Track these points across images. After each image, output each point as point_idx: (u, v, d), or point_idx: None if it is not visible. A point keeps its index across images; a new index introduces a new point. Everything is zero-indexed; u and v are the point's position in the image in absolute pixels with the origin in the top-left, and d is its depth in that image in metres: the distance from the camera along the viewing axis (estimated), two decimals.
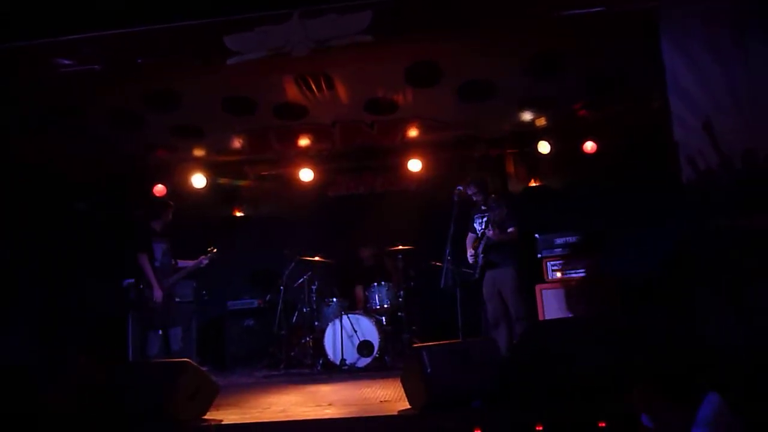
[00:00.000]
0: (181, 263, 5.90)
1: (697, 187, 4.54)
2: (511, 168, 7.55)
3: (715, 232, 4.47)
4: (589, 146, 7.17)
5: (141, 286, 5.58)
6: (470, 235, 5.28)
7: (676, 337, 4.05)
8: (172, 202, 6.06)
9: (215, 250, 5.93)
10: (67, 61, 4.81)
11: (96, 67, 4.82)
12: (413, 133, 6.97)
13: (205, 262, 5.87)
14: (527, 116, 6.78)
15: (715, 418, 2.65)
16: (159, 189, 7.48)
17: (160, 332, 5.56)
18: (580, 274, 6.25)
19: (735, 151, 4.56)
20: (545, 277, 6.21)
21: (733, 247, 4.39)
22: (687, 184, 4.56)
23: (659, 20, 4.73)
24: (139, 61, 4.82)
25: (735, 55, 4.63)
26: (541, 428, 3.63)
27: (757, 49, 4.58)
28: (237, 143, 7.07)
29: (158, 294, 5.47)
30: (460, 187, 5.28)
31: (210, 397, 4.28)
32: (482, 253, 5.06)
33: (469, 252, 5.19)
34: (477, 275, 5.14)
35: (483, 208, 5.15)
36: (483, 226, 5.10)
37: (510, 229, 5.03)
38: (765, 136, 4.53)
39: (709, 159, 4.59)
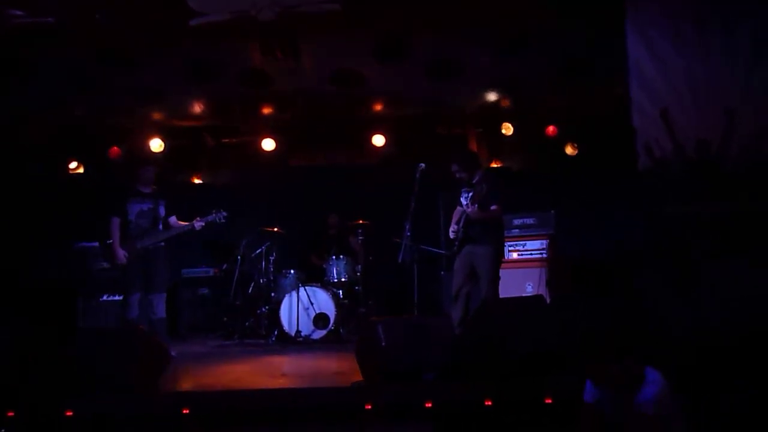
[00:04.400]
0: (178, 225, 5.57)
1: (652, 174, 4.67)
2: (473, 147, 7.58)
3: (667, 217, 4.62)
4: (551, 129, 7.27)
5: (108, 250, 5.36)
6: (457, 209, 5.26)
7: (624, 318, 4.19)
8: (150, 161, 5.79)
9: (224, 214, 5.59)
10: (19, 12, 4.57)
11: (50, 20, 4.60)
12: (378, 107, 6.92)
13: (200, 225, 5.51)
14: (492, 96, 6.81)
15: (658, 397, 2.77)
16: (114, 152, 7.26)
17: (137, 296, 5.30)
18: (535, 255, 6.39)
19: (689, 140, 4.70)
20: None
21: (683, 232, 4.55)
22: (642, 170, 4.68)
23: (626, 7, 4.79)
24: (97, 16, 4.61)
25: (696, 49, 4.74)
26: (490, 403, 3.73)
27: (716, 45, 4.70)
28: (197, 108, 6.90)
29: (120, 255, 5.29)
30: (423, 165, 5.27)
31: (162, 365, 4.23)
32: (462, 227, 5.06)
33: (452, 226, 5.19)
34: (456, 248, 5.14)
35: (473, 182, 5.13)
36: (467, 201, 5.08)
37: (492, 207, 5.01)
38: (718, 128, 4.67)
39: (664, 147, 4.72)
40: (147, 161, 5.74)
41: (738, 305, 4.25)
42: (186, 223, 5.53)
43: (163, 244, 5.45)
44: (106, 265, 6.01)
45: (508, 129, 7.24)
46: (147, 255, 5.38)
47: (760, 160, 4.59)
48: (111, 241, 5.31)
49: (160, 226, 5.47)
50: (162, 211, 5.50)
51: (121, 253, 5.27)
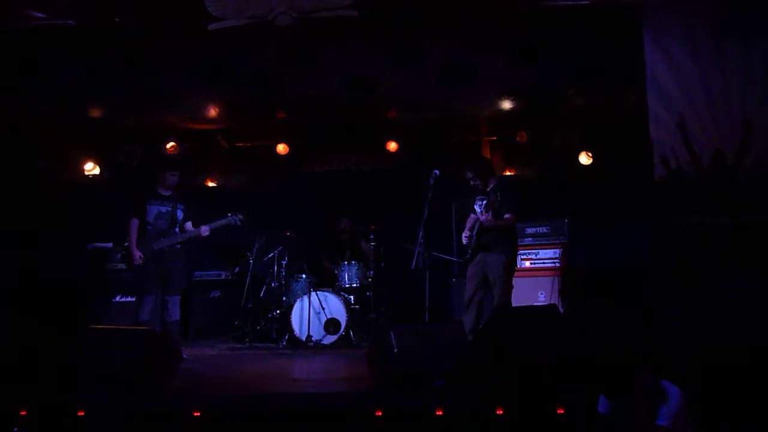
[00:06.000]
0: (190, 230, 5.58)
1: (667, 185, 4.64)
2: (487, 155, 7.57)
3: (680, 229, 4.58)
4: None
5: (124, 251, 5.39)
6: (471, 216, 5.24)
7: (637, 330, 4.15)
8: (172, 165, 5.81)
9: (239, 217, 5.59)
10: (40, 14, 4.63)
11: (69, 22, 4.65)
12: (392, 113, 6.92)
13: (206, 231, 5.49)
14: (506, 104, 6.80)
15: (676, 410, 2.74)
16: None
17: (151, 297, 5.33)
18: (548, 264, 6.36)
19: (705, 151, 4.67)
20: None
21: (696, 245, 4.51)
22: (658, 181, 4.65)
23: (643, 17, 4.78)
24: (117, 20, 4.65)
25: (713, 59, 4.71)
26: (501, 412, 3.70)
27: (734, 55, 4.67)
28: (212, 111, 6.94)
29: (136, 256, 5.32)
30: (437, 171, 5.26)
31: (174, 366, 4.24)
32: (476, 235, 5.04)
33: (465, 233, 5.17)
34: (469, 256, 5.13)
35: (488, 190, 5.11)
36: (481, 209, 5.07)
37: (506, 216, 4.98)
38: (734, 139, 4.64)
39: (680, 158, 4.69)
40: (172, 165, 5.75)
41: (746, 319, 4.21)
42: (194, 229, 5.54)
43: (179, 246, 5.48)
44: (119, 266, 6.04)
45: (522, 137, 7.22)
46: (164, 257, 5.40)
47: None
48: (128, 242, 5.34)
49: (177, 229, 5.50)
50: (180, 215, 5.53)
51: (138, 255, 5.29)
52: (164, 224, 5.44)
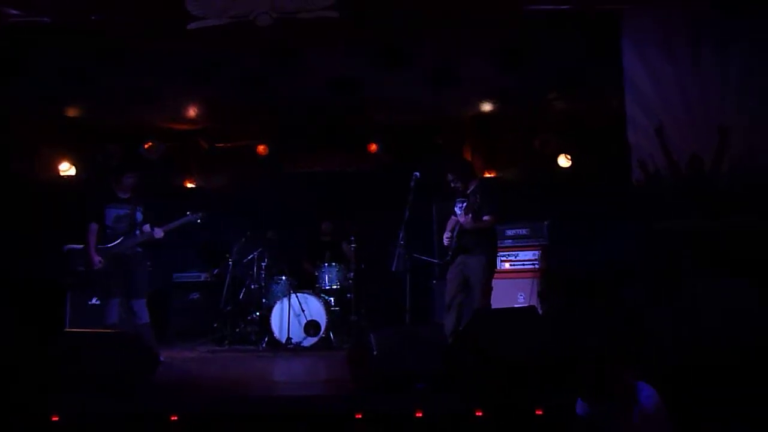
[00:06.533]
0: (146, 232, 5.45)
1: (645, 189, 4.71)
2: (468, 157, 7.61)
3: (658, 232, 4.65)
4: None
5: (84, 255, 5.31)
6: (451, 218, 5.27)
7: (616, 331, 4.20)
8: (130, 166, 5.72)
9: (199, 215, 5.51)
10: (15, 11, 4.54)
11: (46, 19, 4.57)
12: (374, 115, 6.92)
13: (159, 233, 5.38)
14: (488, 107, 6.84)
15: (652, 412, 2.77)
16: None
17: (116, 300, 5.21)
18: (527, 265, 6.40)
19: (683, 156, 4.74)
20: None
21: (673, 247, 4.58)
22: (636, 184, 4.72)
23: (622, 24, 4.84)
24: (93, 17, 4.58)
25: (690, 65, 4.79)
26: (480, 414, 3.71)
27: (710, 62, 4.75)
28: (192, 111, 6.87)
29: (95, 261, 5.24)
30: (418, 173, 5.27)
31: (150, 369, 4.19)
32: (456, 237, 5.07)
33: (446, 234, 5.19)
34: (449, 258, 5.15)
35: (468, 192, 5.13)
36: (461, 211, 5.10)
37: (486, 218, 5.01)
38: (710, 145, 4.72)
39: (658, 162, 4.76)
40: (130, 168, 5.66)
41: (727, 319, 4.28)
42: (149, 230, 5.40)
43: (140, 249, 5.41)
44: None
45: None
46: (125, 260, 5.31)
47: (750, 178, 4.64)
48: (86, 245, 5.26)
49: (137, 232, 5.42)
50: (139, 217, 5.42)
51: (97, 259, 5.22)
52: (123, 227, 5.35)
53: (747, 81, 4.71)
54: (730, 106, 4.71)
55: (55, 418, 3.68)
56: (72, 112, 6.61)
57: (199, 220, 5.54)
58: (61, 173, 7.32)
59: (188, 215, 5.52)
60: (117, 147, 7.46)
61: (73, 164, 7.35)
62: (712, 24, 4.76)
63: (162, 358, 5.23)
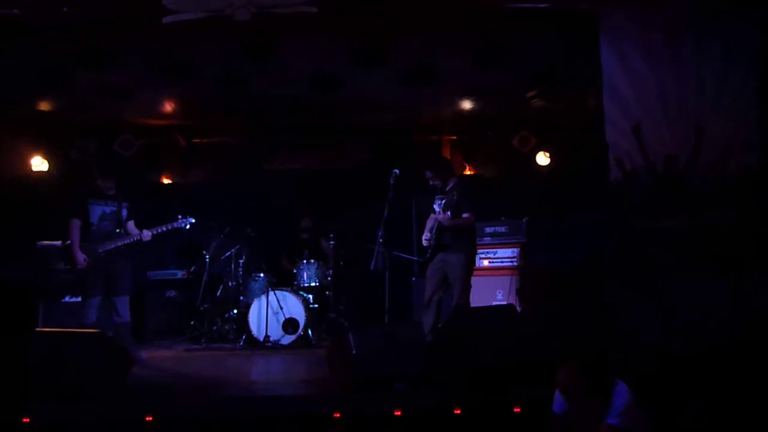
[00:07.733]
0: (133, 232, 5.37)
1: (622, 186, 4.75)
2: (447, 154, 7.62)
3: (636, 230, 4.70)
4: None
5: (66, 253, 5.15)
6: (430, 216, 5.26)
7: (593, 329, 4.23)
8: (116, 164, 5.57)
9: (190, 220, 5.42)
10: None
11: (15, 11, 4.45)
12: (354, 112, 6.89)
13: (147, 236, 5.26)
14: (466, 104, 6.85)
15: (626, 409, 2.79)
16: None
17: (96, 299, 5.11)
18: (506, 263, 6.43)
19: (659, 155, 4.80)
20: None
21: (652, 245, 4.63)
22: (613, 182, 4.76)
23: (600, 23, 4.86)
24: (65, 9, 4.46)
25: (667, 65, 4.84)
26: (459, 411, 3.72)
27: (687, 63, 4.81)
28: (169, 107, 6.77)
29: (80, 259, 5.09)
30: (397, 171, 5.26)
31: (124, 369, 4.11)
32: (435, 235, 5.07)
33: (425, 234, 5.19)
34: (428, 255, 5.15)
35: (447, 189, 5.13)
36: (440, 209, 5.10)
37: (465, 215, 5.02)
38: (686, 144, 4.78)
39: (635, 161, 4.81)
40: (113, 163, 5.53)
41: (700, 316, 4.35)
42: (136, 232, 5.30)
43: (124, 247, 5.30)
44: (65, 266, 5.80)
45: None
46: (109, 258, 5.18)
47: (724, 177, 4.71)
48: (70, 242, 5.12)
49: (122, 231, 5.27)
50: (124, 213, 5.31)
51: (81, 257, 5.06)
52: (109, 225, 5.21)
53: (723, 80, 4.77)
54: (706, 108, 4.77)
55: (26, 420, 3.60)
56: (44, 107, 6.44)
57: (187, 227, 5.45)
58: (33, 168, 7.17)
59: (179, 220, 5.42)
60: (92, 142, 7.34)
61: (47, 159, 7.22)
62: (689, 24, 4.81)
63: (144, 356, 5.17)
